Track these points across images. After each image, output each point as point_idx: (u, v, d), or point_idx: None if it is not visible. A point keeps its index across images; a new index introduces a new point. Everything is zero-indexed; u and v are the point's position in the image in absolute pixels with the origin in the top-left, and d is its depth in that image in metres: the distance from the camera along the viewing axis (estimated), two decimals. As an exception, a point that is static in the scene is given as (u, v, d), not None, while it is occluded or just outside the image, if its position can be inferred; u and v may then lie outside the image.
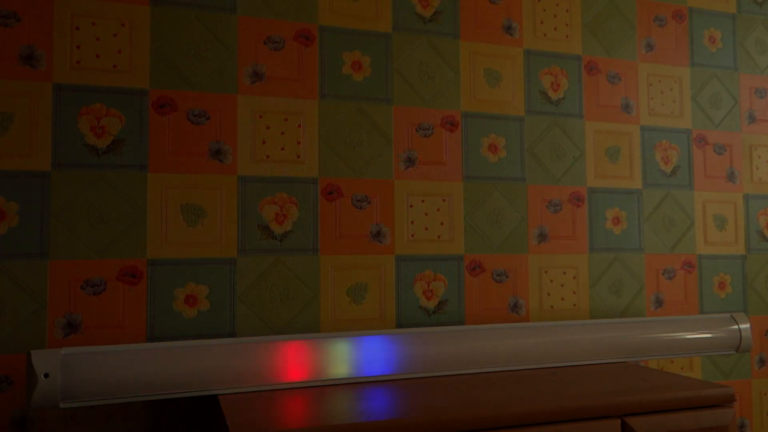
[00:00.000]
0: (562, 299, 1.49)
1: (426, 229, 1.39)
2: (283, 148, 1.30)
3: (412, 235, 1.38)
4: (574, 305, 1.50)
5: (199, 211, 1.24)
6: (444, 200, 1.41)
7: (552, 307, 1.48)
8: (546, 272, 1.48)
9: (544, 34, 1.53)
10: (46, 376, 0.98)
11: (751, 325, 1.63)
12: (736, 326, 1.47)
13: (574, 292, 1.50)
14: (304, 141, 1.32)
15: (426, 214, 1.39)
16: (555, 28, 1.54)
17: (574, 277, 1.50)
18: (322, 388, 1.13)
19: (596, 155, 1.55)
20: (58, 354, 1.00)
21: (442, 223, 1.40)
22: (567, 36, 1.55)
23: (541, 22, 1.53)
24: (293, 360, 1.12)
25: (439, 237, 1.40)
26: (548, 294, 1.48)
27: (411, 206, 1.38)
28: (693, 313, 1.61)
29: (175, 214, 1.23)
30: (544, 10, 1.53)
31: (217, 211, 1.25)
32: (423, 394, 1.07)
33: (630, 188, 1.57)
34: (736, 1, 1.73)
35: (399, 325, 1.36)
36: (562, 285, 1.49)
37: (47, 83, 1.17)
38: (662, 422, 1.04)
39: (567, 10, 1.55)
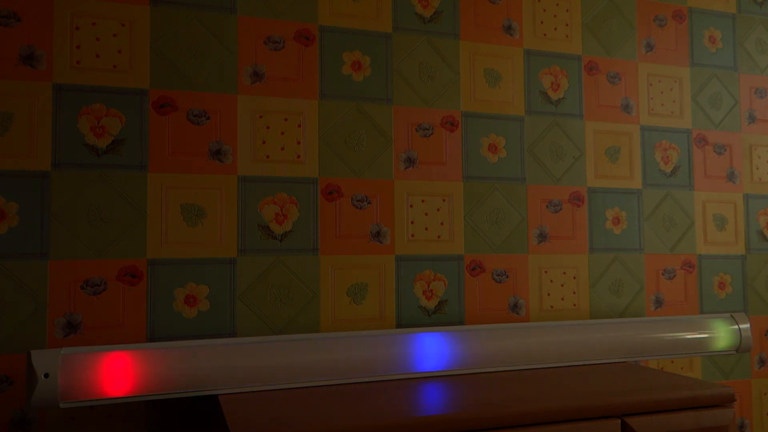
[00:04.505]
0: (562, 299, 1.49)
1: (426, 229, 1.39)
2: (283, 148, 1.30)
3: (412, 235, 1.38)
4: (574, 305, 1.50)
5: (199, 211, 1.24)
6: (444, 200, 1.41)
7: (552, 307, 1.48)
8: (546, 272, 1.48)
9: (544, 34, 1.53)
10: (46, 376, 0.98)
11: (751, 325, 1.63)
12: (736, 326, 1.47)
13: (574, 292, 1.50)
14: (304, 141, 1.32)
15: (426, 214, 1.39)
16: (555, 28, 1.54)
17: (574, 277, 1.50)
18: (322, 389, 1.13)
19: (596, 155, 1.55)
20: (58, 354, 1.00)
21: (442, 223, 1.40)
22: (567, 36, 1.55)
23: (541, 22, 1.53)
24: (290, 360, 1.12)
25: (439, 237, 1.40)
26: (548, 294, 1.48)
27: (411, 206, 1.38)
28: (693, 313, 1.61)
29: (175, 214, 1.23)
30: (544, 10, 1.53)
31: (217, 211, 1.25)
32: (422, 395, 1.07)
33: (630, 188, 1.57)
34: (736, 1, 1.73)
35: (399, 325, 1.36)
36: (562, 285, 1.49)
37: (47, 83, 1.17)
38: (662, 422, 1.04)
39: (567, 10, 1.55)
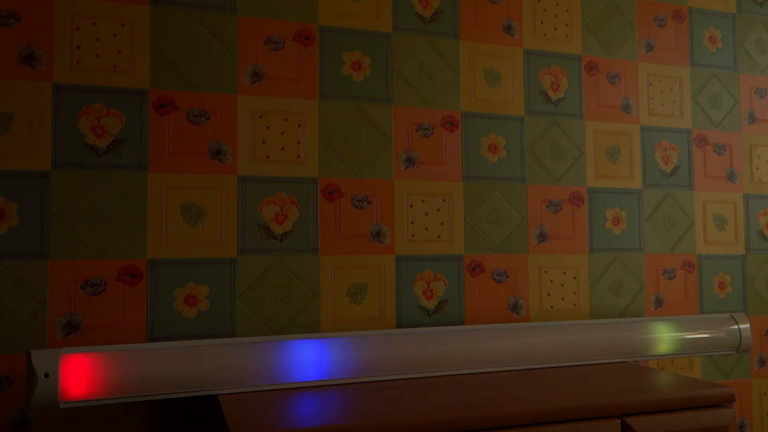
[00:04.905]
0: (562, 299, 1.49)
1: (426, 229, 1.39)
2: (283, 148, 1.30)
3: (412, 235, 1.38)
4: (574, 305, 1.50)
5: (199, 211, 1.24)
6: (444, 200, 1.41)
7: (552, 307, 1.48)
8: (546, 272, 1.48)
9: (544, 34, 1.53)
10: (46, 376, 0.98)
11: (751, 325, 1.63)
12: (736, 326, 1.47)
13: (574, 292, 1.50)
14: (304, 141, 1.32)
15: (426, 214, 1.39)
16: (555, 28, 1.54)
17: (574, 277, 1.50)
18: (322, 389, 1.13)
19: (596, 155, 1.55)
20: (58, 354, 1.00)
21: (442, 223, 1.40)
22: (567, 36, 1.55)
23: (541, 22, 1.53)
24: (294, 360, 1.12)
25: (439, 237, 1.40)
26: (548, 294, 1.48)
27: (411, 206, 1.38)
28: (693, 313, 1.61)
29: (175, 214, 1.23)
30: (544, 10, 1.53)
31: (217, 211, 1.25)
32: (423, 394, 1.07)
33: (630, 188, 1.57)
34: (736, 1, 1.73)
35: (399, 325, 1.36)
36: (562, 285, 1.49)
37: (47, 83, 1.17)
38: (662, 422, 1.04)
39: (567, 10, 1.55)
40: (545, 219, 1.49)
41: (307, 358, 1.13)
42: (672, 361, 1.58)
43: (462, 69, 1.45)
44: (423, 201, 1.39)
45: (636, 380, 1.17)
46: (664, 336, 1.39)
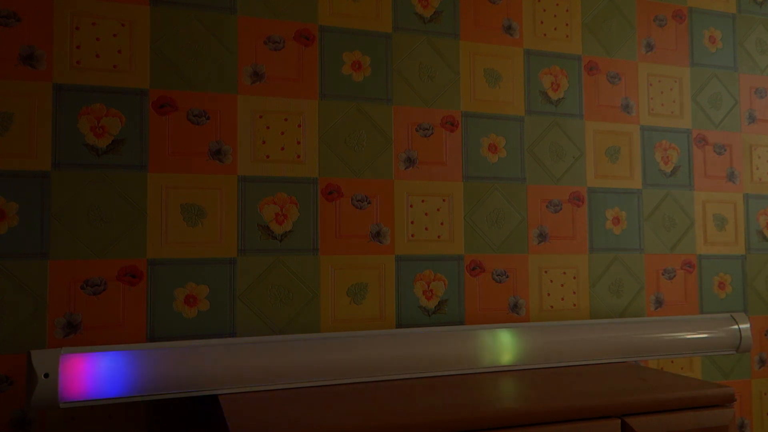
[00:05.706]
0: (562, 299, 1.49)
1: (426, 229, 1.39)
2: (283, 148, 1.30)
3: (412, 235, 1.38)
4: (574, 305, 1.50)
5: (199, 211, 1.24)
6: (444, 200, 1.41)
7: (552, 307, 1.48)
8: (546, 272, 1.48)
9: (544, 34, 1.53)
10: (46, 376, 0.98)
11: (750, 325, 1.63)
12: (736, 326, 1.47)
13: (574, 292, 1.50)
14: (304, 141, 1.32)
15: (426, 214, 1.39)
16: (555, 28, 1.54)
17: (574, 277, 1.50)
18: (322, 389, 1.13)
19: (596, 155, 1.55)
20: (58, 354, 1.00)
21: (442, 223, 1.40)
22: (567, 36, 1.55)
23: (541, 22, 1.53)
24: (293, 360, 1.12)
25: (439, 237, 1.40)
26: (548, 294, 1.48)
27: (411, 206, 1.38)
28: (693, 313, 1.61)
29: (175, 214, 1.23)
30: (544, 10, 1.53)
31: (217, 211, 1.25)
32: (423, 394, 1.07)
33: (630, 188, 1.57)
34: (736, 1, 1.73)
35: (399, 325, 1.36)
36: (562, 285, 1.49)
37: (47, 83, 1.17)
38: (662, 422, 1.04)
39: (567, 10, 1.55)
40: (545, 219, 1.49)
41: (308, 359, 1.13)
42: (672, 361, 1.58)
43: (462, 69, 1.45)
44: (423, 201, 1.39)
45: (636, 380, 1.17)
46: (663, 336, 1.39)
